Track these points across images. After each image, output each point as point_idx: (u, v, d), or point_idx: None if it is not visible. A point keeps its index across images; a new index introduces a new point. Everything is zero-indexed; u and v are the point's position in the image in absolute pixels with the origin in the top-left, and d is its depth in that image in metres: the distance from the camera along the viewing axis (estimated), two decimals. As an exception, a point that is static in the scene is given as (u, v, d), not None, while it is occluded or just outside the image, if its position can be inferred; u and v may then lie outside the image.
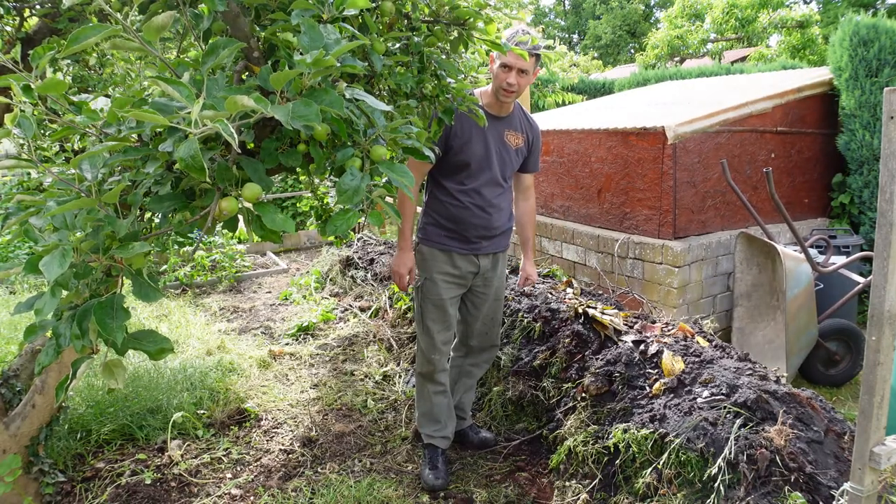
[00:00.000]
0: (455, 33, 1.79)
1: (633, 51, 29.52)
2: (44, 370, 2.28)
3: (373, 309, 4.60)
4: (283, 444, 2.93)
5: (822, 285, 3.98)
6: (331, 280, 5.53)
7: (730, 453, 1.96)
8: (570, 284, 3.55)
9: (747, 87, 5.36)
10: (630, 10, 31.69)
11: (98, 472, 2.65)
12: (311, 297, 5.21)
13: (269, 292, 5.62)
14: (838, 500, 1.72)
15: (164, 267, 5.77)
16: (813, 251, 4.26)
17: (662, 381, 2.38)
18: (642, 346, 2.61)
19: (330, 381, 3.62)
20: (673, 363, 2.42)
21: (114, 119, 1.18)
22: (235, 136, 0.91)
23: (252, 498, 2.54)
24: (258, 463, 2.79)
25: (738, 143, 4.48)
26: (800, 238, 3.67)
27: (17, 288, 5.24)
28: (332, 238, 5.78)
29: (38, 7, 2.25)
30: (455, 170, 2.45)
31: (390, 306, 4.43)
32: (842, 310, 3.96)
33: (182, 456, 2.80)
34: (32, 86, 1.13)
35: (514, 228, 2.75)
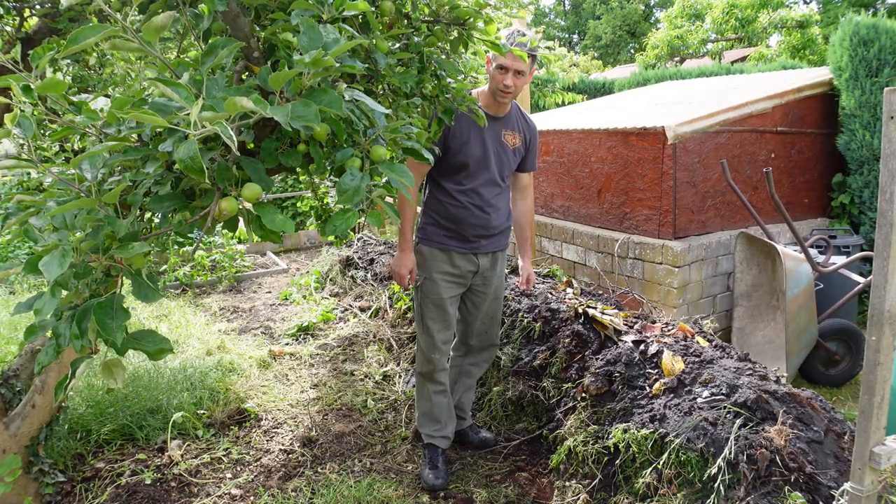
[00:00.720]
0: (455, 33, 1.79)
1: (633, 51, 29.52)
2: (44, 370, 2.28)
3: (373, 309, 4.60)
4: (283, 444, 2.93)
5: (822, 285, 3.98)
6: (331, 280, 5.53)
7: (730, 453, 1.96)
8: (570, 284, 3.55)
9: (747, 87, 5.36)
10: (630, 10, 31.68)
11: (98, 472, 2.65)
12: (311, 297, 5.21)
13: (269, 292, 5.62)
14: (838, 500, 1.72)
15: (164, 267, 5.77)
16: (813, 251, 4.26)
17: (662, 381, 2.38)
18: (642, 346, 2.61)
19: (330, 381, 3.62)
20: (673, 363, 2.42)
21: (114, 119, 1.18)
22: (235, 138, 0.91)
23: (252, 498, 2.54)
24: (258, 463, 2.79)
25: (738, 143, 4.48)
26: (800, 238, 3.67)
27: (18, 288, 5.24)
28: (332, 238, 5.78)
29: (38, 7, 2.26)
30: (453, 170, 2.46)
31: (390, 306, 4.43)
32: (842, 310, 3.96)
33: (182, 456, 2.80)
34: (32, 86, 1.13)
35: (511, 227, 2.74)
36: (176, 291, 5.51)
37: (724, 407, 2.13)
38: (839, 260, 3.96)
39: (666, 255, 4.16)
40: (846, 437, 2.08)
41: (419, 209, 2.67)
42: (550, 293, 3.38)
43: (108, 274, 1.13)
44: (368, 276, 5.08)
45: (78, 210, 1.08)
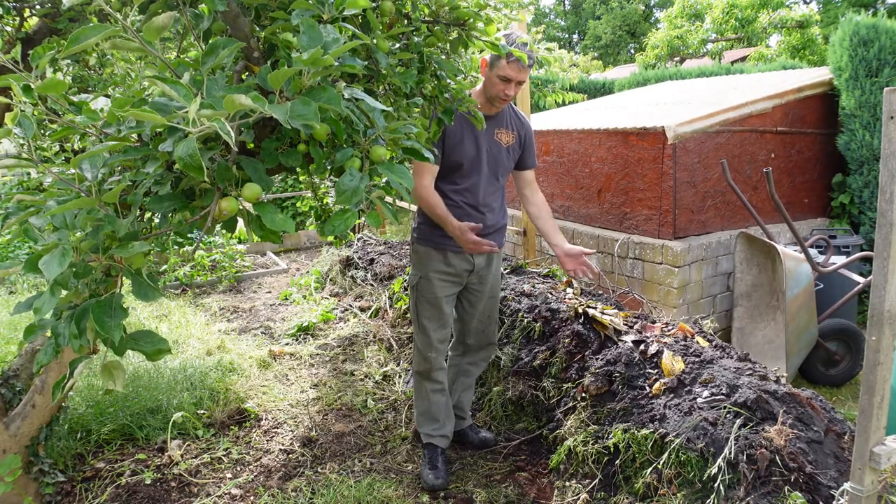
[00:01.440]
0: (455, 34, 1.79)
1: (633, 51, 29.52)
2: (44, 370, 2.28)
3: (373, 309, 4.60)
4: (283, 444, 2.93)
5: (822, 285, 3.98)
6: (331, 280, 5.53)
7: (730, 453, 1.96)
8: (570, 284, 3.55)
9: (747, 87, 5.36)
10: (630, 10, 31.69)
11: (98, 472, 2.65)
12: (311, 297, 5.21)
13: (269, 292, 5.62)
14: (838, 500, 1.72)
15: (164, 267, 5.77)
16: (813, 251, 4.26)
17: (662, 381, 2.38)
18: (642, 346, 2.61)
19: (330, 381, 3.62)
20: (673, 363, 2.42)
21: (114, 119, 1.18)
22: (233, 134, 0.91)
23: (252, 498, 2.54)
24: (258, 463, 2.79)
25: (738, 143, 4.48)
26: (800, 238, 3.67)
27: (18, 288, 5.24)
28: (331, 238, 5.78)
29: (38, 7, 2.26)
30: (448, 170, 2.46)
31: (390, 306, 4.43)
32: (842, 310, 3.96)
33: (182, 456, 2.80)
34: (32, 86, 1.13)
35: (507, 225, 2.74)
36: (176, 291, 5.51)
37: (724, 407, 2.13)
38: (839, 260, 3.96)
39: (666, 255, 4.16)
40: (846, 437, 2.08)
41: (414, 208, 2.68)
42: (550, 293, 3.38)
43: (107, 273, 1.13)
44: (368, 276, 5.08)
45: (78, 210, 1.08)
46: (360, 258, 5.38)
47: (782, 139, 4.77)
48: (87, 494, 2.52)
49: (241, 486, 2.62)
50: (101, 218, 1.06)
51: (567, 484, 2.41)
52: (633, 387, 2.47)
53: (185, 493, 2.57)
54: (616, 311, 3.03)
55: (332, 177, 1.47)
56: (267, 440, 2.99)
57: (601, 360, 2.65)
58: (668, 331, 2.74)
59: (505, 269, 3.97)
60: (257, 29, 1.42)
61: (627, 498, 2.17)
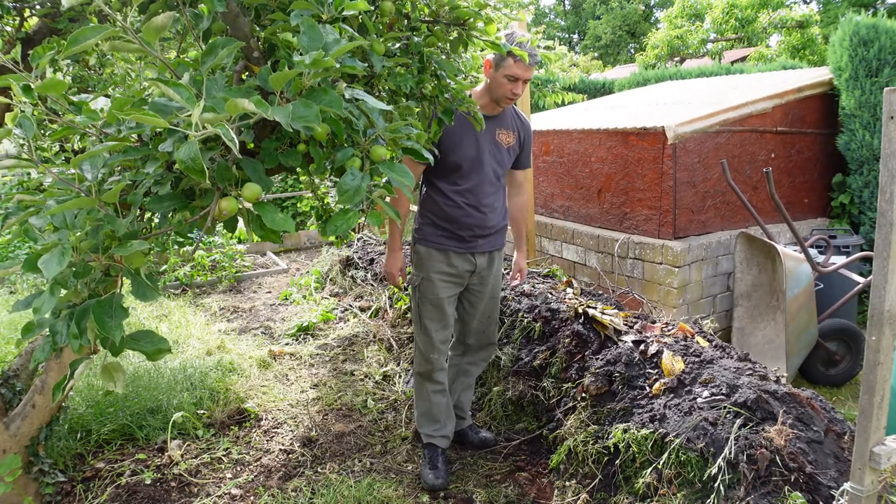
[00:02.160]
0: (455, 34, 1.79)
1: (633, 51, 29.53)
2: (44, 370, 2.28)
3: (373, 309, 4.60)
4: (283, 444, 2.93)
5: (822, 285, 3.98)
6: (331, 280, 5.53)
7: (730, 453, 1.96)
8: (570, 284, 3.55)
9: (747, 87, 5.36)
10: (630, 10, 31.69)
11: (98, 472, 2.65)
12: (311, 297, 5.21)
13: (269, 292, 5.62)
14: (838, 500, 1.72)
15: (164, 267, 5.77)
16: (813, 251, 4.26)
17: (662, 381, 2.38)
18: (642, 346, 2.61)
19: (330, 381, 3.62)
20: (673, 363, 2.42)
21: (114, 119, 1.18)
22: (236, 140, 0.91)
23: (252, 498, 2.54)
24: (258, 463, 2.79)
25: (738, 143, 4.48)
26: (800, 238, 3.67)
27: (18, 287, 5.24)
28: (332, 238, 5.79)
29: (38, 7, 2.25)
30: (448, 170, 2.46)
31: (390, 306, 4.43)
32: (842, 310, 3.96)
33: (182, 456, 2.80)
34: (32, 86, 1.13)
35: (508, 225, 2.74)
36: (176, 291, 5.51)
37: (724, 407, 2.13)
38: (839, 260, 3.96)
39: (666, 255, 4.16)
40: (846, 437, 2.08)
41: (415, 208, 2.68)
42: (550, 293, 3.38)
43: (107, 273, 1.13)
44: (368, 276, 5.08)
45: (78, 210, 1.08)
46: (360, 258, 5.38)
47: (782, 139, 4.77)
48: (87, 494, 2.52)
49: (241, 486, 2.62)
50: (100, 218, 1.07)
51: (567, 484, 2.41)
52: (633, 387, 2.47)
53: (185, 493, 2.57)
54: (616, 311, 3.03)
55: (332, 177, 1.47)
56: (267, 440, 2.99)
57: (601, 360, 2.65)
58: (668, 331, 2.74)
59: (505, 270, 3.97)
60: (257, 29, 1.42)
61: (627, 498, 2.17)
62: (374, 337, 4.17)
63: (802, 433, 2.02)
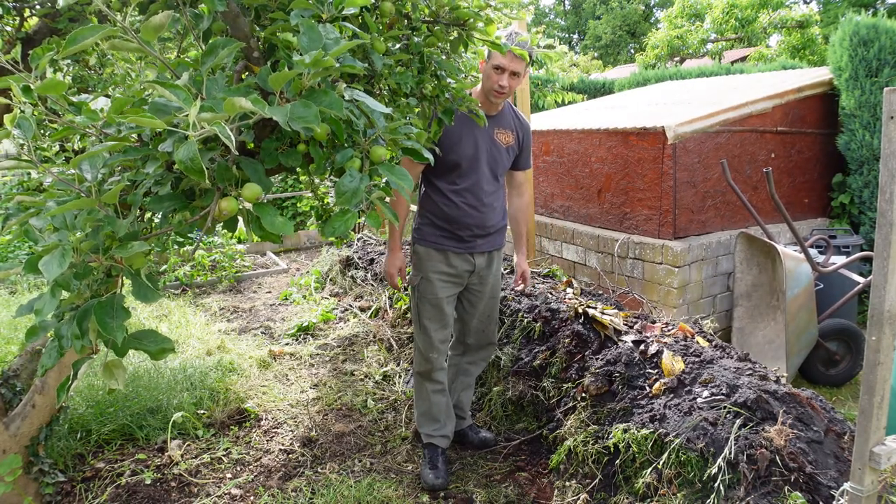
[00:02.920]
0: (455, 34, 1.79)
1: (633, 51, 29.53)
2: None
3: (373, 309, 4.60)
4: (283, 444, 2.93)
5: (822, 285, 3.98)
6: (331, 280, 5.53)
7: (730, 453, 1.96)
8: (570, 284, 3.55)
9: (747, 87, 5.36)
10: (630, 10, 31.69)
11: (98, 472, 2.65)
12: (311, 297, 5.21)
13: (269, 292, 5.62)
14: (838, 500, 1.72)
15: (164, 267, 5.77)
16: (813, 251, 4.26)
17: (662, 381, 2.38)
18: (642, 346, 2.61)
19: (330, 381, 3.62)
20: (673, 363, 2.42)
21: (114, 119, 1.18)
22: (233, 138, 0.91)
23: (252, 498, 2.54)
24: (258, 463, 2.79)
25: (738, 143, 4.48)
26: (800, 238, 3.67)
27: (18, 288, 5.24)
28: (332, 238, 5.79)
29: (38, 7, 2.25)
30: (446, 170, 2.46)
31: (390, 306, 4.43)
32: (842, 310, 3.96)
33: (182, 456, 2.80)
34: (32, 86, 1.13)
35: (507, 225, 2.74)
36: (176, 291, 5.51)
37: (724, 407, 2.13)
38: (839, 260, 3.96)
39: (666, 255, 4.16)
40: (846, 437, 2.08)
41: (414, 208, 2.68)
42: (550, 293, 3.38)
43: (108, 274, 1.13)
44: (368, 276, 5.08)
45: (78, 210, 1.08)
46: (360, 258, 5.38)
47: (782, 139, 4.77)
48: (87, 494, 2.52)
49: (241, 486, 2.62)
50: (101, 218, 1.06)
51: (567, 484, 2.41)
52: (633, 387, 2.47)
53: (185, 493, 2.57)
54: (616, 311, 3.03)
55: (332, 177, 1.47)
56: (267, 440, 2.99)
57: (601, 360, 2.65)
58: (668, 331, 2.74)
59: (505, 270, 3.97)
60: (257, 29, 1.42)
61: (627, 498, 2.17)
62: (374, 337, 4.17)
63: (802, 433, 2.02)
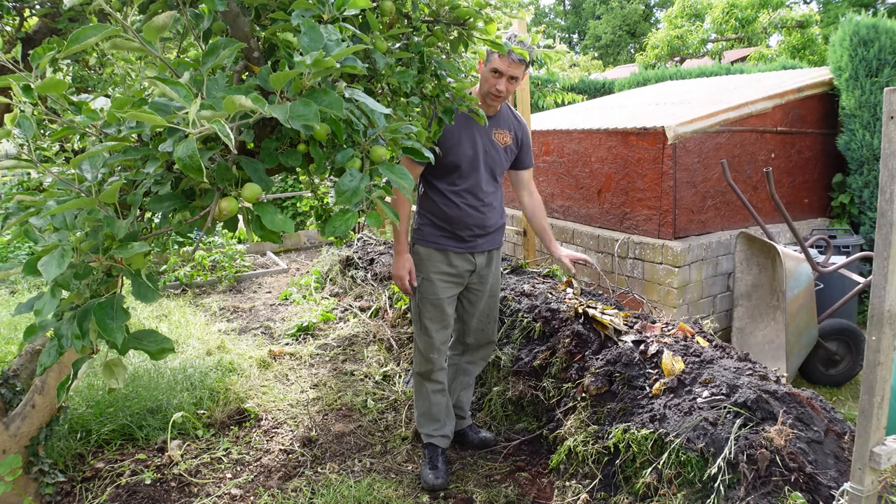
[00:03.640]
0: (455, 33, 1.79)
1: (633, 51, 29.53)
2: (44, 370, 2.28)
3: (373, 309, 4.60)
4: (283, 444, 2.93)
5: (822, 285, 3.98)
6: (331, 280, 5.53)
7: (730, 453, 1.96)
8: (570, 284, 3.55)
9: (747, 87, 5.36)
10: (630, 10, 31.69)
11: (98, 472, 2.65)
12: (311, 297, 5.21)
13: (269, 292, 5.62)
14: (838, 500, 1.72)
15: (164, 267, 5.77)
16: (813, 251, 4.26)
17: (662, 381, 2.38)
18: (642, 346, 2.61)
19: (330, 381, 3.62)
20: (673, 363, 2.42)
21: (114, 119, 1.18)
22: (232, 136, 0.91)
23: (252, 498, 2.54)
24: (258, 463, 2.79)
25: (738, 143, 4.48)
26: (800, 238, 3.67)
27: (18, 288, 5.24)
28: (332, 238, 5.79)
29: (38, 7, 2.25)
30: (446, 171, 2.46)
31: (390, 306, 4.43)
32: (842, 310, 3.96)
33: (182, 456, 2.80)
34: (32, 86, 1.13)
35: (505, 224, 2.74)
36: (176, 291, 5.51)
37: (724, 407, 2.13)
38: (839, 260, 3.96)
39: (666, 255, 4.16)
40: (846, 437, 2.08)
41: (414, 209, 2.67)
42: (550, 293, 3.38)
43: (108, 274, 1.13)
44: (368, 276, 5.08)
45: (78, 210, 1.08)
46: (360, 258, 5.38)
47: (782, 139, 4.77)
48: (87, 494, 2.52)
49: (241, 486, 2.62)
50: (100, 218, 1.06)
51: (567, 484, 2.41)
52: (633, 387, 2.47)
53: (185, 494, 2.57)
54: (616, 311, 3.03)
55: (332, 177, 1.47)
56: (267, 440, 2.99)
57: (601, 360, 2.65)
58: (668, 331, 2.74)
59: (505, 269, 3.97)
60: (257, 29, 1.42)
61: (627, 498, 2.17)
62: (374, 337, 4.17)
63: (802, 433, 2.02)
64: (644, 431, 2.20)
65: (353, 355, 3.99)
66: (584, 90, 10.91)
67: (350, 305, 4.82)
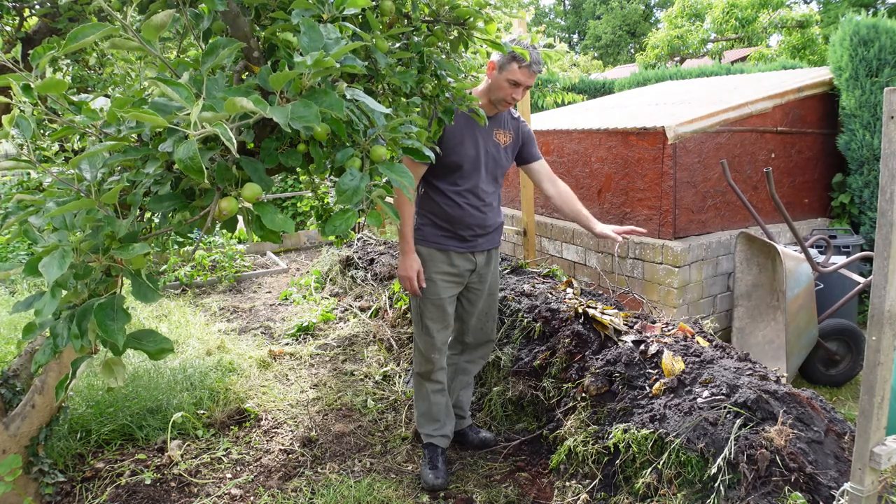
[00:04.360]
0: (455, 33, 1.79)
1: (633, 51, 29.54)
2: (44, 370, 2.28)
3: (373, 309, 4.60)
4: (283, 444, 2.93)
5: (822, 285, 3.98)
6: (331, 280, 5.53)
7: (730, 453, 1.96)
8: (570, 284, 3.55)
9: (747, 87, 5.36)
10: (630, 10, 31.70)
11: (98, 472, 2.65)
12: (311, 297, 5.21)
13: (269, 292, 5.62)
14: (838, 500, 1.72)
15: (164, 267, 5.77)
16: (813, 251, 4.26)
17: (662, 381, 2.38)
18: (642, 346, 2.61)
19: (330, 381, 3.62)
20: (673, 363, 2.42)
21: (114, 119, 1.17)
22: (234, 139, 0.91)
23: (252, 498, 2.54)
24: (258, 463, 2.79)
25: (738, 143, 4.48)
26: (800, 238, 3.67)
27: (18, 288, 5.24)
28: (332, 238, 5.78)
29: (37, 7, 2.25)
30: (448, 171, 2.46)
31: (390, 306, 4.43)
32: (842, 310, 3.96)
33: (182, 456, 2.80)
34: (32, 85, 1.13)
35: (503, 223, 2.72)
36: (176, 291, 5.50)
37: (724, 407, 2.13)
38: (839, 260, 3.96)
39: (666, 255, 4.16)
40: (846, 437, 2.08)
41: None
42: (550, 293, 3.38)
43: (107, 274, 1.12)
44: (368, 276, 5.08)
45: (77, 210, 1.08)
46: (360, 258, 5.38)
47: (782, 139, 4.77)
48: (87, 494, 2.52)
49: (241, 486, 2.62)
50: (100, 218, 1.06)
51: (567, 484, 2.41)
52: (633, 387, 2.47)
53: (185, 494, 2.57)
54: (616, 311, 3.03)
55: (332, 177, 1.47)
56: (267, 440, 2.99)
57: (601, 360, 2.65)
58: (668, 331, 2.74)
59: (505, 269, 3.97)
60: (257, 29, 1.42)
61: (627, 498, 2.17)
62: (374, 337, 4.17)
63: (802, 433, 2.02)
64: (644, 431, 2.20)
65: (353, 355, 3.99)
66: (584, 90, 10.91)
67: (350, 305, 4.82)
